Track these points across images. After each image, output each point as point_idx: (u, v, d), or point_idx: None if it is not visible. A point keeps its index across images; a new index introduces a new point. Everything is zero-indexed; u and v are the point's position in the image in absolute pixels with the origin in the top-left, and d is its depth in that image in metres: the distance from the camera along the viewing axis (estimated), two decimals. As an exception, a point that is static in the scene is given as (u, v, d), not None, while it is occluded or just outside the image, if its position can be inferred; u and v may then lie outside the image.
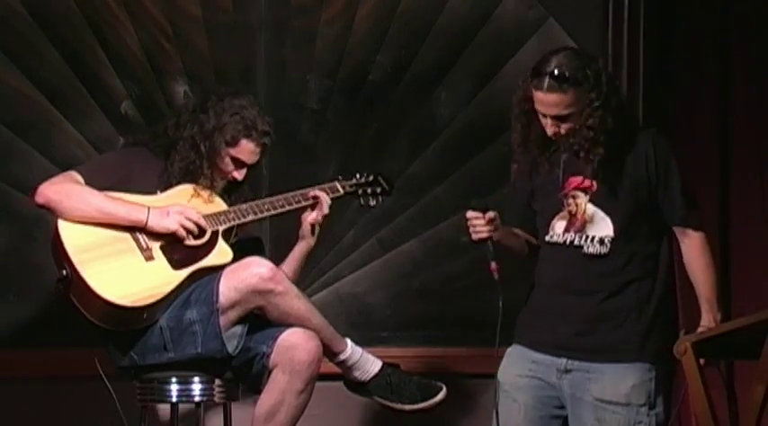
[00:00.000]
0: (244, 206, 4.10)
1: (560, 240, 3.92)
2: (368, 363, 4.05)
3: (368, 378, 4.04)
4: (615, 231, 3.88)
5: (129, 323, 3.90)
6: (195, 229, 3.99)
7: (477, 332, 5.04)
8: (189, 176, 4.08)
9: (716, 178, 4.89)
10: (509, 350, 4.00)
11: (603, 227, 3.89)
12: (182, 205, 4.01)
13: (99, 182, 3.99)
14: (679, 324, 4.43)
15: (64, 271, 3.89)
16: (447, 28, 5.08)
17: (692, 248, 3.95)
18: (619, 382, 3.84)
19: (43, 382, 4.85)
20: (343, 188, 4.26)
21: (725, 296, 4.76)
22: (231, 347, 3.90)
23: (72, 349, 4.75)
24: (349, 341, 4.04)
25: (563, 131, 3.86)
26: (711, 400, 3.82)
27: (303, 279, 4.86)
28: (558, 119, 3.85)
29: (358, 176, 4.32)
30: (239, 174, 4.11)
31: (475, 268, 5.07)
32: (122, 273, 3.89)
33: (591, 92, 3.83)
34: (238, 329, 3.92)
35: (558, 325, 3.91)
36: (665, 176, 3.92)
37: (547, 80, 3.82)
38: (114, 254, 3.92)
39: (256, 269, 3.90)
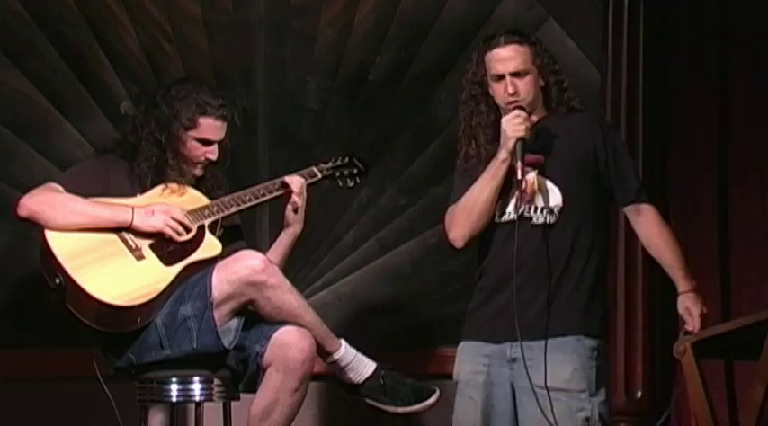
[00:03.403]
0: (226, 198, 4.10)
1: (511, 218, 3.93)
2: (361, 365, 4.02)
3: (361, 380, 4.01)
4: (564, 200, 3.91)
5: (126, 324, 3.90)
6: (180, 228, 3.99)
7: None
8: (158, 174, 4.07)
9: (716, 178, 4.89)
10: (460, 347, 4.02)
11: (552, 197, 3.93)
12: (166, 204, 4.02)
13: (79, 191, 3.98)
14: (678, 324, 4.43)
15: (57, 280, 3.87)
16: (447, 28, 5.09)
17: (651, 222, 3.98)
18: (559, 367, 3.85)
19: (43, 382, 4.85)
20: (321, 171, 4.28)
21: (724, 296, 4.78)
22: (227, 341, 3.90)
23: (72, 349, 4.75)
24: (343, 342, 4.02)
25: (521, 93, 3.90)
26: (711, 400, 3.82)
27: (302, 280, 4.88)
28: (517, 76, 3.90)
29: (333, 159, 4.34)
30: (212, 154, 4.10)
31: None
32: (116, 275, 3.88)
33: (545, 51, 3.98)
34: (234, 323, 3.92)
35: (504, 306, 3.90)
36: (614, 152, 3.98)
37: (503, 36, 3.95)
38: (105, 257, 3.91)
39: (248, 261, 3.90)
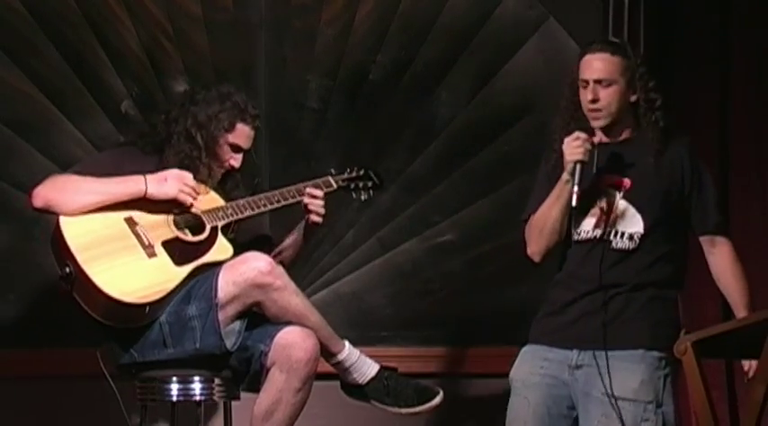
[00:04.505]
0: (241, 201, 4.11)
1: (589, 236, 3.92)
2: (365, 366, 4.03)
3: (365, 381, 4.02)
4: (645, 228, 3.88)
5: (132, 320, 3.91)
6: (193, 193, 3.99)
7: (476, 331, 5.04)
8: (186, 170, 4.07)
9: (716, 177, 4.88)
10: (523, 349, 4.00)
11: (634, 224, 3.89)
12: (177, 171, 4.01)
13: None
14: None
15: (67, 269, 3.88)
16: (447, 28, 5.08)
17: (725, 257, 3.97)
18: (628, 377, 3.84)
19: (43, 382, 4.84)
20: (336, 182, 4.27)
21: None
22: (230, 343, 3.90)
23: (72, 349, 4.75)
24: (347, 343, 4.03)
25: (602, 101, 3.87)
26: (712, 399, 3.82)
27: (303, 279, 4.87)
28: (600, 83, 3.87)
29: (349, 171, 4.33)
30: (236, 161, 4.13)
31: (474, 267, 5.09)
32: (126, 270, 3.89)
33: (640, 66, 3.92)
34: (237, 325, 3.92)
35: (576, 318, 3.90)
36: (699, 184, 3.94)
37: (597, 43, 3.93)
38: (117, 251, 3.91)
39: (255, 263, 3.91)
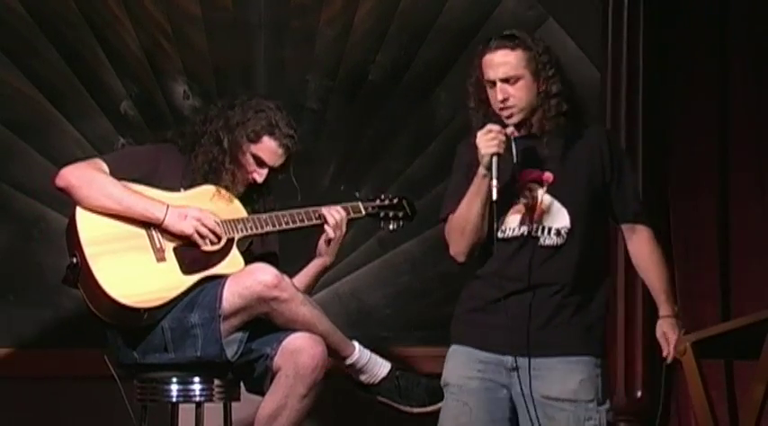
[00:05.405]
0: (263, 216, 4.05)
1: (516, 234, 3.85)
2: (376, 366, 4.03)
3: (376, 381, 4.02)
4: (572, 222, 3.83)
5: (130, 321, 3.90)
6: (211, 236, 3.95)
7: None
8: (211, 172, 4.04)
9: (716, 178, 4.89)
10: (452, 349, 3.94)
11: (560, 218, 3.84)
12: (200, 209, 3.96)
13: (124, 174, 3.96)
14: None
15: (74, 259, 3.87)
16: (447, 28, 5.09)
17: (644, 243, 3.91)
18: (566, 378, 3.79)
19: (43, 382, 4.84)
20: (366, 209, 4.21)
21: (725, 296, 4.79)
22: (230, 353, 3.89)
23: (73, 349, 4.76)
24: (357, 345, 4.02)
25: (512, 99, 3.80)
26: (711, 399, 3.83)
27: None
28: (507, 82, 3.80)
29: (382, 197, 4.26)
30: (259, 175, 4.05)
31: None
32: (131, 272, 3.87)
33: (542, 55, 3.82)
34: (239, 335, 3.90)
35: (505, 321, 3.81)
36: (619, 172, 3.89)
37: (495, 40, 3.82)
38: (127, 251, 3.89)
39: (261, 276, 3.87)
